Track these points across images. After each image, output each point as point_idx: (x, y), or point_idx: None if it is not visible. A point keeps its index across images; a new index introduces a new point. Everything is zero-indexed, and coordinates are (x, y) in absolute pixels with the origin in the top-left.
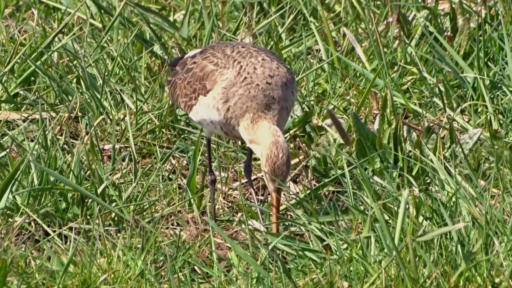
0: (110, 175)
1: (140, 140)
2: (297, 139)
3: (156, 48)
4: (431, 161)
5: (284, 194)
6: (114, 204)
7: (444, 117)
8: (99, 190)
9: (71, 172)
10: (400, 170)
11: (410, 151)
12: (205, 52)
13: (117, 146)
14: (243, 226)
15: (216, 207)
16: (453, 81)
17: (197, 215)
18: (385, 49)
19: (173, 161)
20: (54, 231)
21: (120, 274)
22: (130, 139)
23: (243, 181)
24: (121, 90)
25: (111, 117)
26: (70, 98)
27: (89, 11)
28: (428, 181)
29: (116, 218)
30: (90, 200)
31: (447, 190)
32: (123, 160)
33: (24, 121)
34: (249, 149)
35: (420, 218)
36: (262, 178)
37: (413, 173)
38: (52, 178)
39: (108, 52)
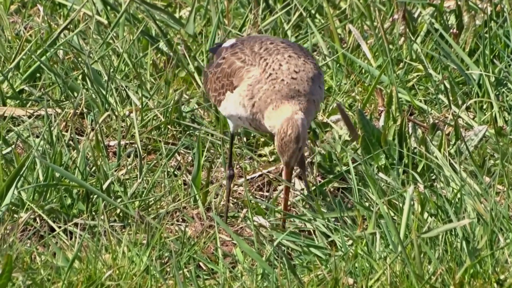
0: (115, 171)
1: (145, 137)
2: None
3: (162, 44)
4: (436, 157)
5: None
6: (119, 200)
7: (449, 114)
8: (104, 186)
9: (77, 168)
10: (405, 167)
11: (415, 148)
12: (234, 47)
13: (122, 143)
14: (248, 222)
15: (221, 203)
16: (458, 78)
17: (202, 211)
18: (391, 46)
19: (179, 158)
20: (60, 227)
21: (125, 270)
22: (136, 135)
23: (248, 177)
24: (126, 86)
25: (116, 113)
26: (75, 94)
27: (95, 7)
28: (433, 177)
29: (121, 214)
30: (95, 196)
31: (452, 187)
32: (129, 156)
33: (29, 117)
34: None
35: (425, 215)
36: (267, 174)
37: (418, 170)
38: (57, 174)
39: (113, 48)
